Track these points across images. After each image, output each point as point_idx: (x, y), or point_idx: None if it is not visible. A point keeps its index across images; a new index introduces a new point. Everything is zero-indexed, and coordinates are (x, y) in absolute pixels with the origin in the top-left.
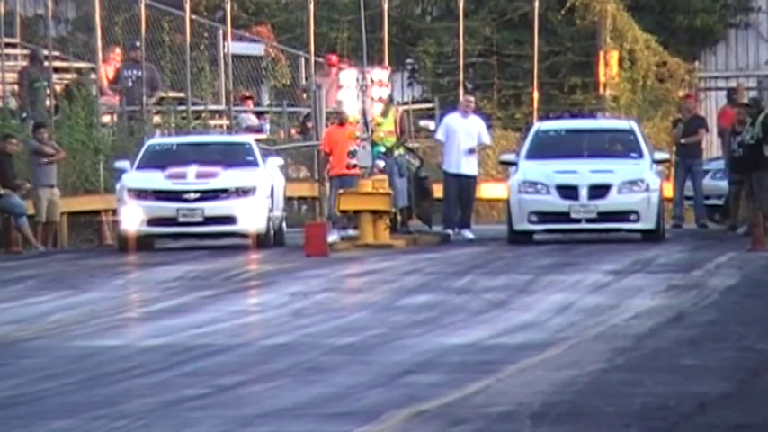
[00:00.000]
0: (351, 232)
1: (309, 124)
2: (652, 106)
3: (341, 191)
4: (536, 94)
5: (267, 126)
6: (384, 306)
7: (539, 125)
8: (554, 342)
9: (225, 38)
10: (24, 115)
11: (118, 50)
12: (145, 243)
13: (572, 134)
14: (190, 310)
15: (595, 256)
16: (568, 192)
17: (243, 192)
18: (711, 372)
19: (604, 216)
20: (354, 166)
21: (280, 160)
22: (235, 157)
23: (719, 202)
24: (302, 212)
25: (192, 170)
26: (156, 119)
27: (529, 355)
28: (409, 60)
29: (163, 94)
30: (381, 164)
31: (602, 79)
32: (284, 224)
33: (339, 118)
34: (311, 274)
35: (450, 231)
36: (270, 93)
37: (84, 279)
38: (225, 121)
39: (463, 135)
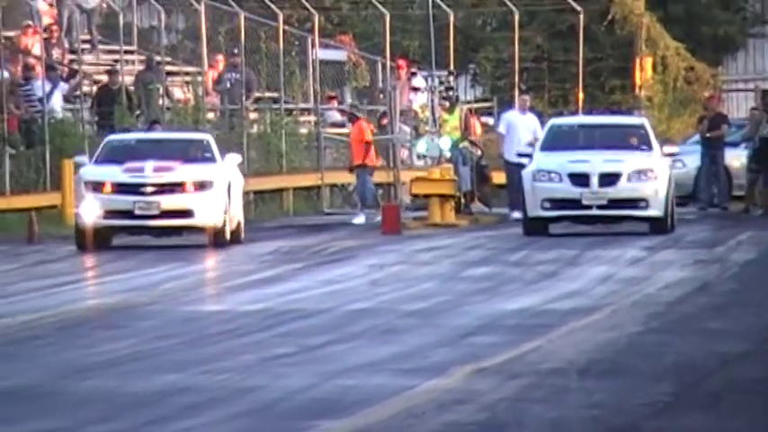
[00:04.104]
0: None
1: (385, 120)
2: (681, 105)
3: (413, 177)
4: (581, 95)
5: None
6: (450, 277)
7: (553, 120)
8: (597, 308)
9: (313, 45)
10: (138, 112)
11: (220, 57)
12: (102, 236)
13: (585, 129)
14: (283, 280)
15: (633, 235)
16: (580, 179)
17: (200, 186)
18: (733, 334)
19: (615, 203)
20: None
21: (238, 157)
22: (193, 152)
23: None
24: (379, 195)
25: (149, 164)
26: (254, 116)
27: (575, 319)
28: (471, 65)
29: (259, 94)
30: (448, 154)
31: (638, 82)
32: (242, 221)
33: (349, 116)
34: (387, 249)
35: (516, 213)
36: (351, 93)
37: (192, 253)
38: (313, 118)
39: (522, 129)
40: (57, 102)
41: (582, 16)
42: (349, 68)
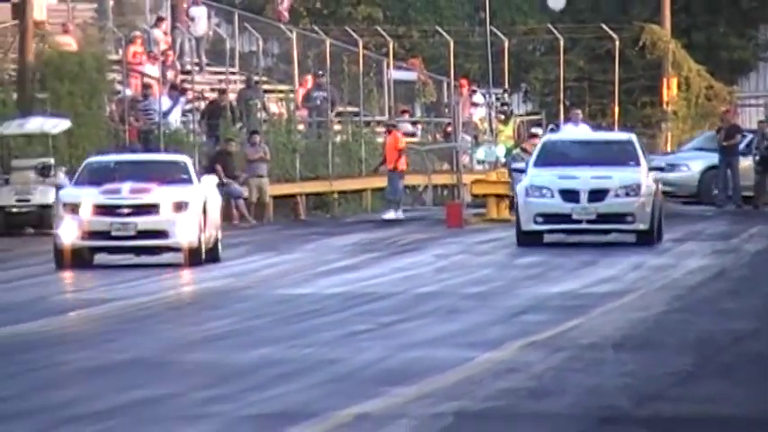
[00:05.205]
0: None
1: (449, 130)
2: (702, 118)
3: (473, 179)
4: (616, 109)
5: (419, 132)
6: (504, 264)
7: (547, 137)
8: (629, 291)
9: (388, 67)
10: (240, 124)
11: (309, 77)
12: (82, 256)
13: (576, 145)
14: (361, 267)
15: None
16: (570, 195)
17: (175, 207)
18: (746, 314)
19: (603, 217)
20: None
21: (215, 179)
22: (170, 174)
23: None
24: (444, 195)
25: (126, 186)
26: (337, 127)
27: (611, 300)
28: (523, 84)
29: (342, 109)
30: (503, 160)
31: (665, 98)
32: (219, 239)
33: (387, 127)
34: (451, 241)
35: None
36: (421, 107)
37: (284, 244)
38: None
39: None
40: (175, 116)
41: (617, 43)
42: (418, 87)
